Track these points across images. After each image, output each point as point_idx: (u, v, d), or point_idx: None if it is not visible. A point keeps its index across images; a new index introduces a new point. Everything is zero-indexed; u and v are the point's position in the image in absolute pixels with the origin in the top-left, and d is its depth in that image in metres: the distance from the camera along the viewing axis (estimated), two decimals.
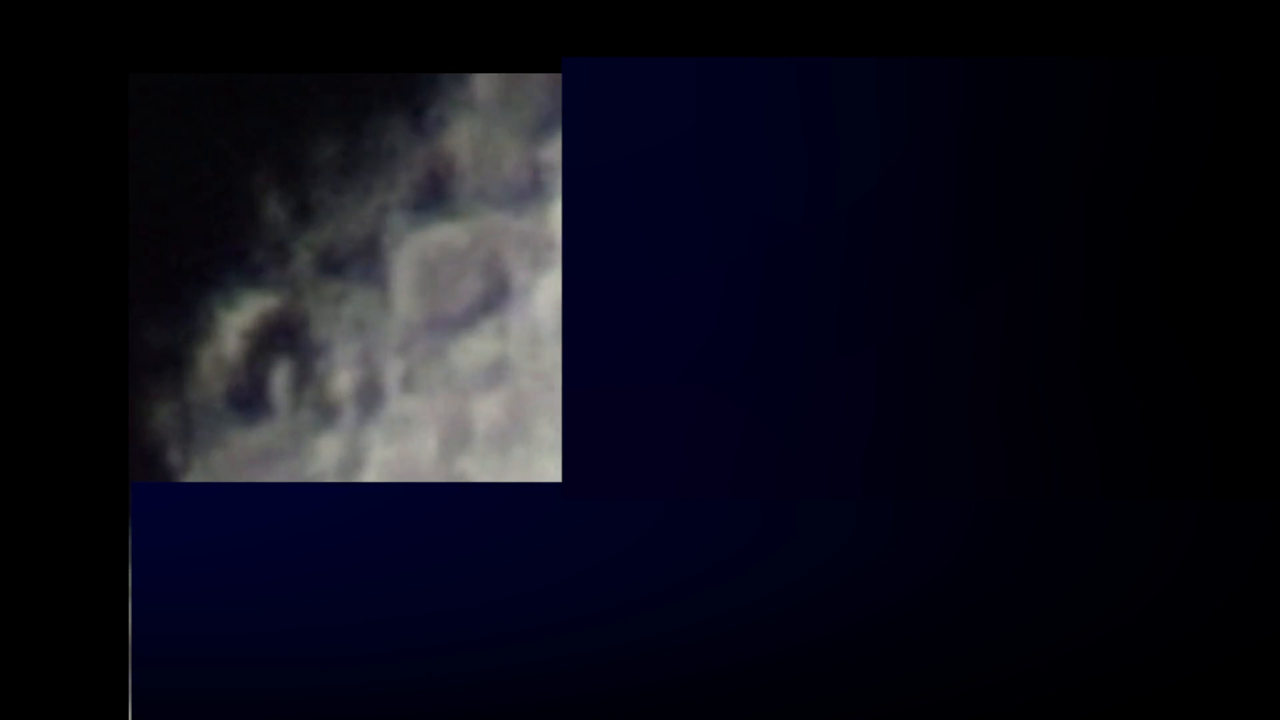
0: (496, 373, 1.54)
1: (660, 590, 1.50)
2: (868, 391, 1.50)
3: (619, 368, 1.51)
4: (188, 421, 1.54)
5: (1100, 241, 1.51)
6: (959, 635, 1.50)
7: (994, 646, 1.50)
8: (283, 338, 1.51)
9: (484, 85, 1.50)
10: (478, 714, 1.50)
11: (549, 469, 1.56)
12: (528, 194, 1.53)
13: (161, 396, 1.53)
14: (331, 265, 1.52)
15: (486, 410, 1.55)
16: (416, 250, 1.53)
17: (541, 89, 1.51)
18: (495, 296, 1.54)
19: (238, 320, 1.53)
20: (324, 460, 1.55)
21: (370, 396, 1.54)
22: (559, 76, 1.50)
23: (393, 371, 1.53)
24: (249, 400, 1.53)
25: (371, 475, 1.55)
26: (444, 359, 1.52)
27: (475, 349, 1.53)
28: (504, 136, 1.53)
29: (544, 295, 1.55)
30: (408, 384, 1.53)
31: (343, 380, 1.54)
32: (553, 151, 1.55)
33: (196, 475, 1.55)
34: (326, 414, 1.54)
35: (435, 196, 1.53)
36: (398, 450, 1.55)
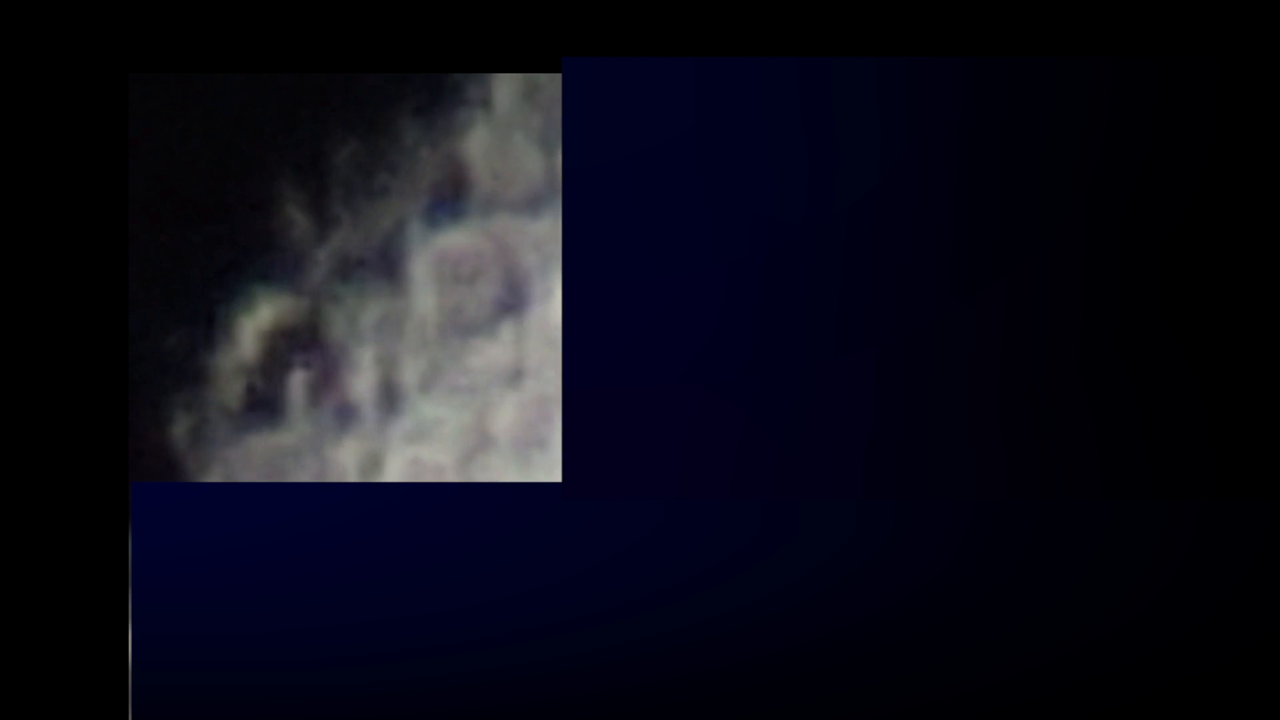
0: (515, 377, 1.54)
1: (660, 590, 1.50)
2: (868, 391, 1.50)
3: (619, 368, 1.51)
4: (205, 427, 1.54)
5: (1100, 241, 1.50)
6: (959, 635, 1.50)
7: (994, 646, 1.50)
8: (300, 342, 1.51)
9: (502, 88, 1.50)
10: (478, 714, 1.50)
11: None
12: (545, 198, 1.53)
13: (179, 402, 1.53)
14: (348, 269, 1.52)
15: (505, 415, 1.55)
16: (434, 254, 1.53)
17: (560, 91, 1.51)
18: (513, 301, 1.54)
19: (254, 324, 1.53)
20: (342, 466, 1.55)
21: (388, 401, 1.54)
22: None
23: (411, 376, 1.53)
24: (266, 405, 1.53)
25: (390, 481, 1.55)
26: (462, 363, 1.52)
27: (493, 353, 1.53)
28: (522, 139, 1.53)
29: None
30: (426, 389, 1.53)
31: (360, 385, 1.54)
32: None
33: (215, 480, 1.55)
34: (344, 419, 1.54)
35: (453, 200, 1.53)
36: (416, 456, 1.54)
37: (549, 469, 1.56)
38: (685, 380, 1.51)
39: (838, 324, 1.50)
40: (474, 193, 1.52)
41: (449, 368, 1.50)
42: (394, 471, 1.55)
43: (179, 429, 1.55)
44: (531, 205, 1.55)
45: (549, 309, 1.55)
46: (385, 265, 1.50)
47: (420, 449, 1.55)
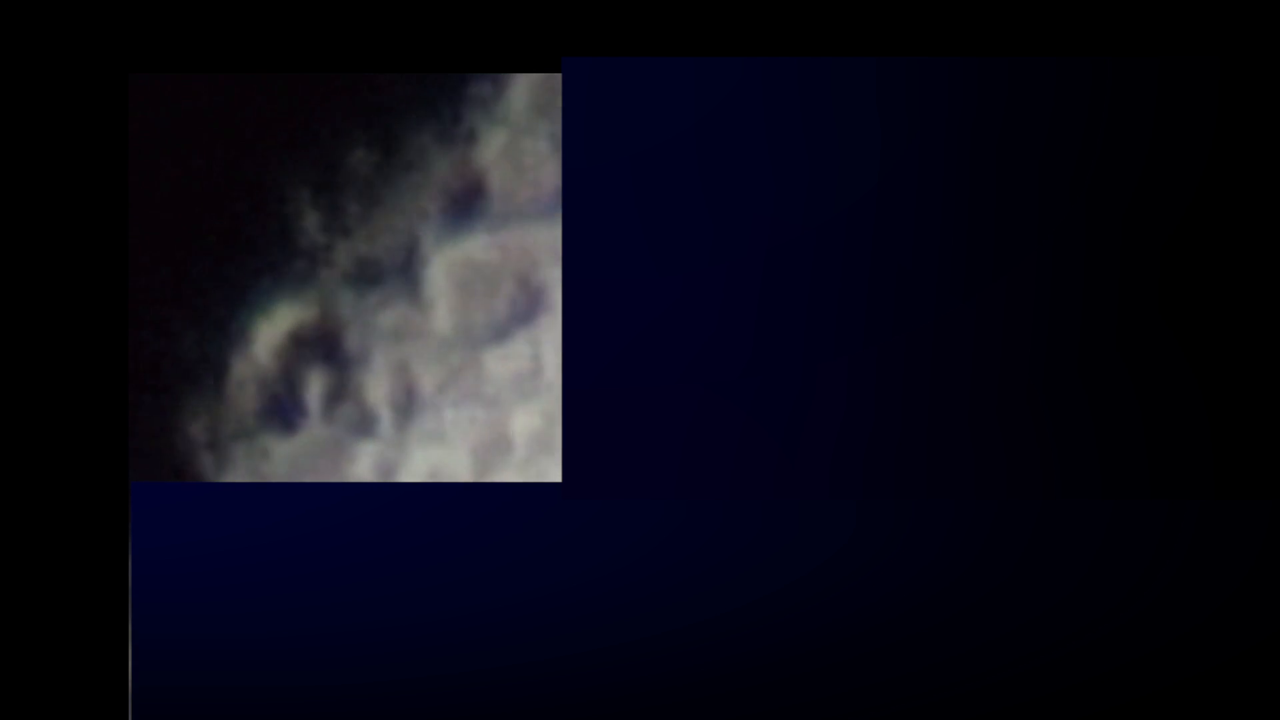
0: (531, 384, 1.54)
1: (660, 590, 1.50)
2: (868, 391, 1.50)
3: (619, 368, 1.51)
4: (222, 432, 1.54)
5: (1100, 241, 1.51)
6: (959, 635, 1.50)
7: (994, 646, 1.50)
8: (318, 348, 1.51)
9: (518, 94, 1.50)
10: (478, 714, 1.50)
11: None
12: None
13: (198, 408, 1.53)
14: (366, 276, 1.52)
15: (522, 422, 1.55)
16: (451, 262, 1.53)
17: None
18: (530, 308, 1.54)
19: (272, 330, 1.53)
20: (359, 472, 1.55)
21: (405, 408, 1.54)
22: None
23: (428, 383, 1.53)
24: (284, 410, 1.53)
25: None
26: (479, 370, 1.52)
27: (510, 360, 1.53)
28: (537, 146, 1.53)
29: None
30: (443, 396, 1.53)
31: (377, 391, 1.54)
32: None
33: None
34: (361, 425, 1.54)
35: (469, 207, 1.53)
36: (433, 462, 1.54)
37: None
38: (685, 380, 1.51)
39: (838, 324, 1.50)
40: (490, 200, 1.52)
41: (466, 376, 1.50)
42: (410, 479, 1.56)
43: (196, 434, 1.55)
44: (548, 212, 1.55)
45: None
46: (402, 273, 1.50)
47: (437, 455, 1.55)
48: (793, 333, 1.50)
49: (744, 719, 1.50)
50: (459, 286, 1.53)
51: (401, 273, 1.51)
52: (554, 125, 1.55)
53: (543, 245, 1.55)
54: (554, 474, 1.56)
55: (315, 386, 1.54)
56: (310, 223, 1.54)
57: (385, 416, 1.54)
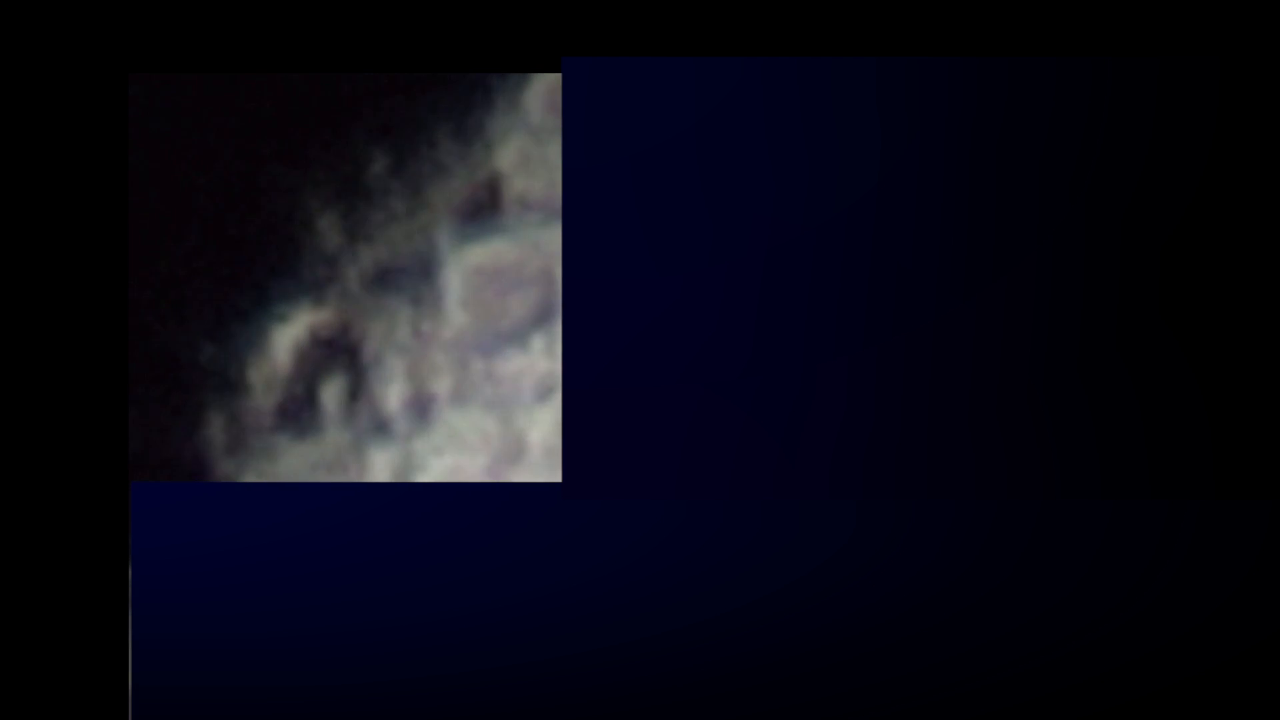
0: (547, 388, 1.54)
1: (660, 590, 1.50)
2: (868, 391, 1.50)
3: (619, 368, 1.51)
4: (239, 437, 1.54)
5: (1100, 241, 1.50)
6: (959, 635, 1.50)
7: (994, 646, 1.50)
8: (335, 352, 1.51)
9: (534, 98, 1.50)
10: (478, 714, 1.50)
11: None
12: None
13: (215, 413, 1.53)
14: (382, 281, 1.52)
15: (538, 426, 1.55)
16: (466, 265, 1.53)
17: None
18: (545, 312, 1.54)
19: (289, 335, 1.53)
20: (375, 476, 1.55)
21: (421, 412, 1.54)
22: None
23: (443, 387, 1.53)
24: (300, 415, 1.53)
25: None
26: (494, 374, 1.52)
27: (525, 364, 1.53)
28: (553, 149, 1.53)
29: None
30: (458, 400, 1.53)
31: (393, 395, 1.54)
32: None
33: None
34: (377, 429, 1.54)
35: (484, 211, 1.53)
36: (448, 467, 1.54)
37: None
38: (685, 380, 1.51)
39: (838, 324, 1.50)
40: (506, 204, 1.52)
41: (480, 379, 1.50)
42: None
43: (214, 439, 1.55)
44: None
45: None
46: (420, 277, 1.50)
47: (452, 461, 1.55)
48: (793, 333, 1.50)
49: (744, 719, 1.50)
50: (475, 290, 1.53)
51: (417, 277, 1.51)
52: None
53: (560, 249, 1.55)
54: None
55: (331, 391, 1.54)
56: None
57: (401, 421, 1.54)
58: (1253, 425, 1.50)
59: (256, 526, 1.51)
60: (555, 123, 1.55)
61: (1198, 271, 1.50)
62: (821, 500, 1.50)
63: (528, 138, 1.54)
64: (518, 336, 1.55)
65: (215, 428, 1.54)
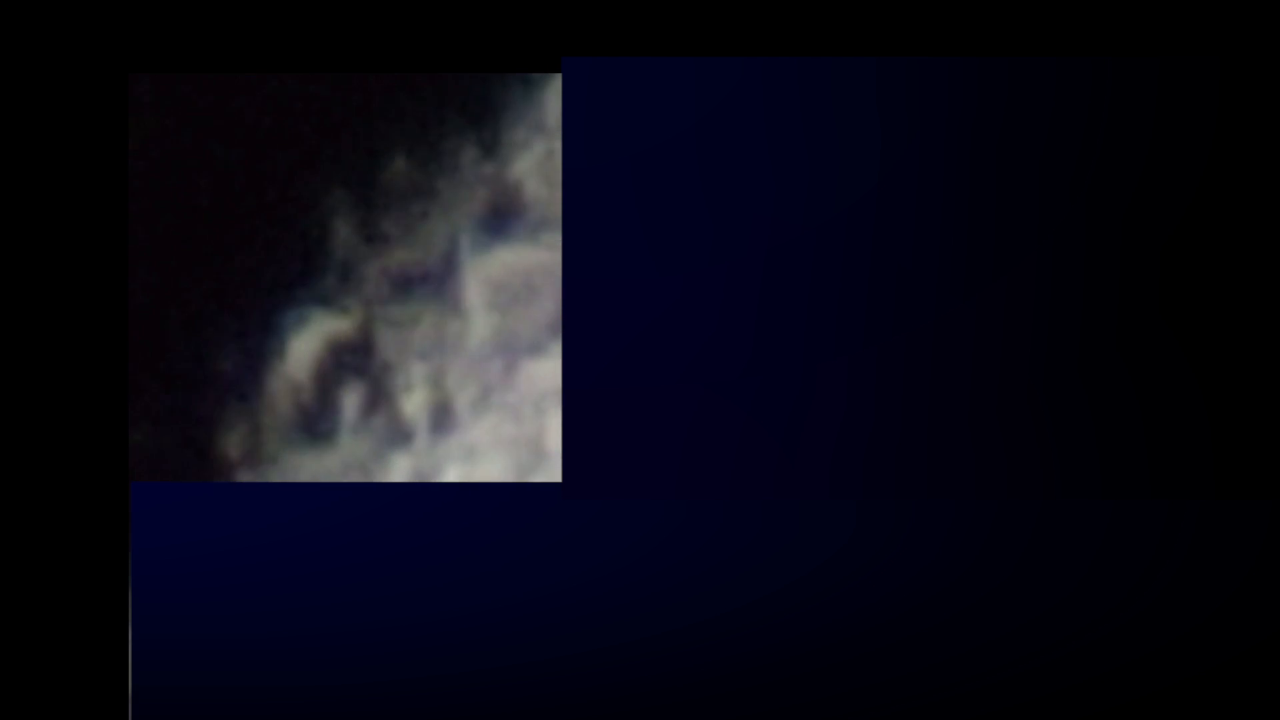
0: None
1: (660, 590, 1.50)
2: (868, 391, 1.50)
3: (619, 368, 1.51)
4: (258, 444, 1.54)
5: (1100, 241, 1.50)
6: (959, 635, 1.50)
7: (994, 646, 1.50)
8: (353, 359, 1.51)
9: (553, 104, 1.50)
10: (478, 714, 1.50)
11: None
12: None
13: (234, 420, 1.53)
14: (401, 286, 1.52)
15: (558, 433, 1.55)
16: (487, 272, 1.53)
17: None
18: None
19: (308, 342, 1.53)
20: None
21: (441, 419, 1.54)
22: None
23: (464, 394, 1.53)
24: (319, 422, 1.53)
25: None
26: (515, 381, 1.52)
27: (546, 371, 1.53)
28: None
29: None
30: (479, 407, 1.53)
31: (414, 402, 1.54)
32: None
33: None
34: (397, 436, 1.54)
35: (505, 218, 1.53)
36: (469, 474, 1.54)
37: None
38: (685, 380, 1.51)
39: (838, 324, 1.50)
40: (526, 210, 1.52)
41: (500, 387, 1.50)
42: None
43: (232, 446, 1.55)
44: None
45: None
46: (439, 283, 1.50)
47: (472, 468, 1.55)
48: (793, 333, 1.50)
49: (744, 719, 1.50)
50: (495, 296, 1.53)
51: (434, 282, 1.51)
52: None
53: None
54: None
55: (349, 398, 1.54)
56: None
57: (420, 428, 1.54)
58: (1253, 425, 1.50)
59: (256, 526, 1.51)
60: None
61: (1198, 271, 1.50)
62: (821, 500, 1.50)
63: (549, 142, 1.54)
64: (539, 344, 1.55)
65: (232, 440, 1.54)
